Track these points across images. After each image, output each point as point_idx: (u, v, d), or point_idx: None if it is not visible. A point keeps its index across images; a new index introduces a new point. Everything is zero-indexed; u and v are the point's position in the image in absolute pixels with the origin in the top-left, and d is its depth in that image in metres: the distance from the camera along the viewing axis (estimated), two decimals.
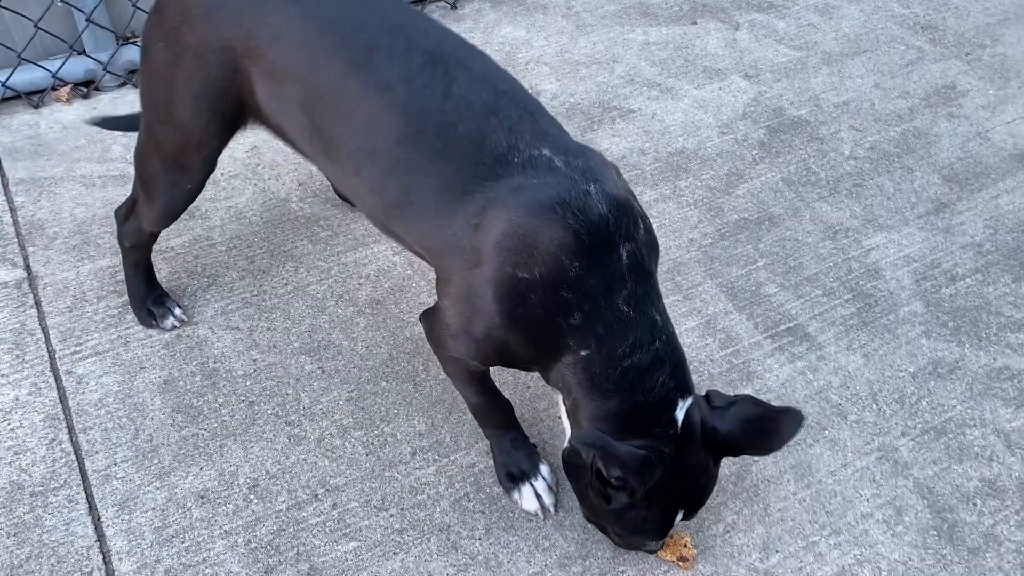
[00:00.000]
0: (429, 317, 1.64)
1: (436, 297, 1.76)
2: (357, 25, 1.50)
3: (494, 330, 1.44)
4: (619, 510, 1.49)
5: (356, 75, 1.47)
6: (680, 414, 1.44)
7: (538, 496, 1.72)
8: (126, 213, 1.94)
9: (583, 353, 1.41)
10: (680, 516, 1.52)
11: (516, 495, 1.73)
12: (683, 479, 1.47)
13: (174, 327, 2.02)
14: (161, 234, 2.20)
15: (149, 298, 2.02)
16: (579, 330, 1.40)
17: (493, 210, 1.39)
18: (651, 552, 1.65)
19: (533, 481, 1.73)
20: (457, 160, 1.42)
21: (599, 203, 1.38)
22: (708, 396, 1.51)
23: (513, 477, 1.73)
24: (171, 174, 1.76)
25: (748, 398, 1.48)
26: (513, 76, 1.56)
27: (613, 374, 1.41)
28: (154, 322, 2.01)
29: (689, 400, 1.46)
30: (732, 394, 1.50)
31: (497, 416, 1.73)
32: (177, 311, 2.02)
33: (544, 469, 1.75)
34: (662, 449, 1.42)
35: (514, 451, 1.74)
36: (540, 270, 1.36)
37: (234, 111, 1.65)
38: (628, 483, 1.41)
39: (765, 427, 1.45)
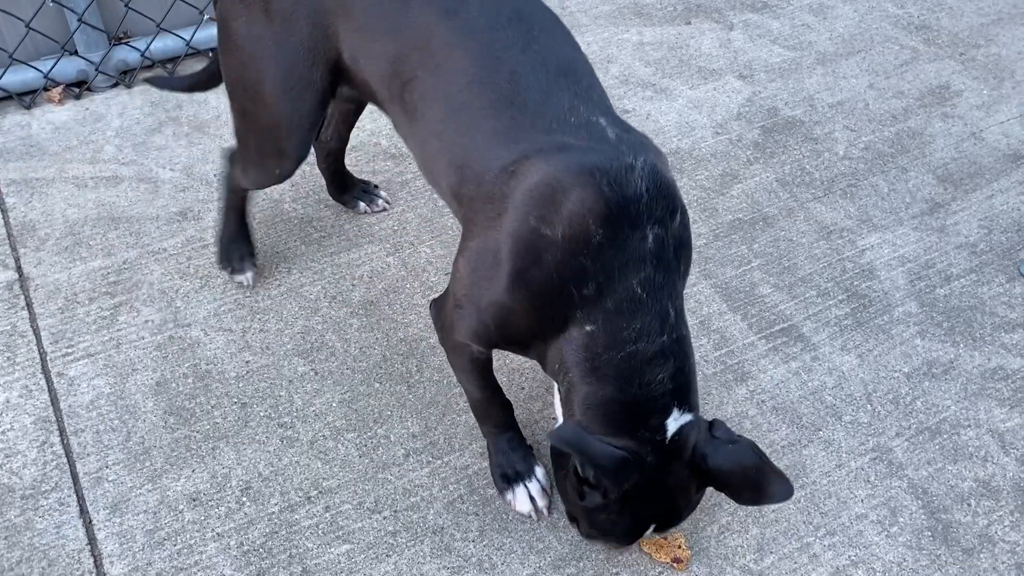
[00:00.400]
0: (439, 301, 1.62)
1: (432, 298, 1.75)
2: None
3: (501, 295, 1.41)
4: (591, 509, 1.48)
5: (444, 21, 1.49)
6: (673, 424, 1.41)
7: (531, 498, 1.71)
8: (232, 158, 1.96)
9: (588, 328, 1.38)
10: (651, 530, 1.50)
11: (509, 495, 1.72)
12: (661, 494, 1.44)
13: (240, 284, 2.08)
14: (154, 234, 2.21)
15: (234, 244, 2.06)
16: (589, 302, 1.37)
17: (532, 160, 1.38)
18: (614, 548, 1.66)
19: (527, 483, 1.72)
20: (518, 108, 1.43)
21: (639, 179, 1.36)
22: (712, 424, 1.48)
23: (507, 478, 1.73)
24: (265, 158, 1.79)
25: (752, 445, 1.45)
26: (587, 59, 1.57)
27: (614, 358, 1.38)
28: (230, 267, 2.07)
29: (688, 416, 1.43)
30: (737, 434, 1.47)
31: (496, 414, 1.72)
32: (250, 274, 2.07)
33: (539, 471, 1.74)
34: (643, 455, 1.39)
35: (510, 451, 1.73)
36: (563, 230, 1.34)
37: (327, 81, 1.65)
38: (602, 483, 1.40)
39: (755, 480, 1.42)
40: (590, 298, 1.37)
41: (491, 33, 1.48)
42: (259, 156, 1.79)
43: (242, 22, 1.61)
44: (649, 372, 1.39)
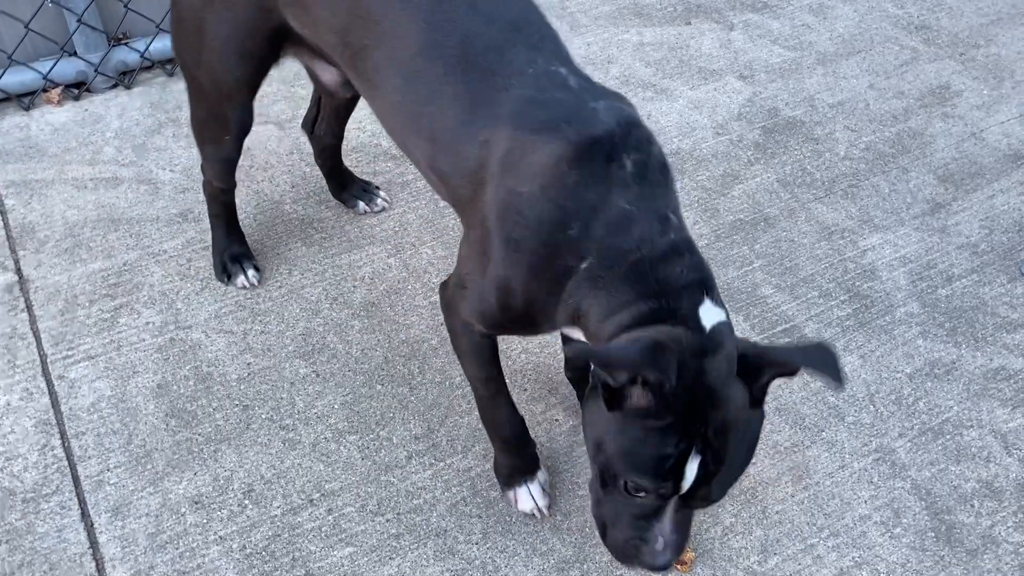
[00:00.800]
0: (445, 283, 1.59)
1: (442, 280, 1.73)
2: None
3: (497, 267, 1.37)
4: (624, 427, 1.23)
5: None
6: (707, 315, 1.25)
7: (533, 497, 1.71)
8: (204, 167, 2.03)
9: (583, 266, 1.31)
10: (696, 464, 1.21)
11: (511, 494, 1.72)
12: (704, 401, 1.20)
13: (244, 287, 2.08)
14: (154, 236, 2.20)
15: (227, 252, 2.10)
16: (579, 241, 1.30)
17: (500, 127, 1.37)
18: (643, 514, 1.30)
19: (530, 482, 1.71)
20: (476, 71, 1.41)
21: (605, 119, 1.34)
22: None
23: (511, 477, 1.72)
24: (211, 125, 1.86)
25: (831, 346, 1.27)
26: (539, 7, 1.54)
27: (621, 270, 1.29)
28: (226, 278, 2.09)
29: (722, 313, 1.28)
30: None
31: (502, 407, 1.65)
32: (251, 273, 2.09)
33: (541, 474, 1.73)
34: (680, 337, 1.21)
35: (514, 451, 1.71)
36: (539, 184, 1.32)
37: (264, 53, 1.70)
38: (643, 380, 1.19)
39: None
40: (577, 237, 1.31)
41: None
42: (207, 126, 1.87)
43: None
44: (664, 268, 1.28)
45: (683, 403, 1.19)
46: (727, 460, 1.24)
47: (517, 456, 1.71)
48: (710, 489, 1.25)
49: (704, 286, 1.30)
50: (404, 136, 1.57)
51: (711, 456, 1.22)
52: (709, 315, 1.27)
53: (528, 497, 1.71)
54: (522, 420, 1.69)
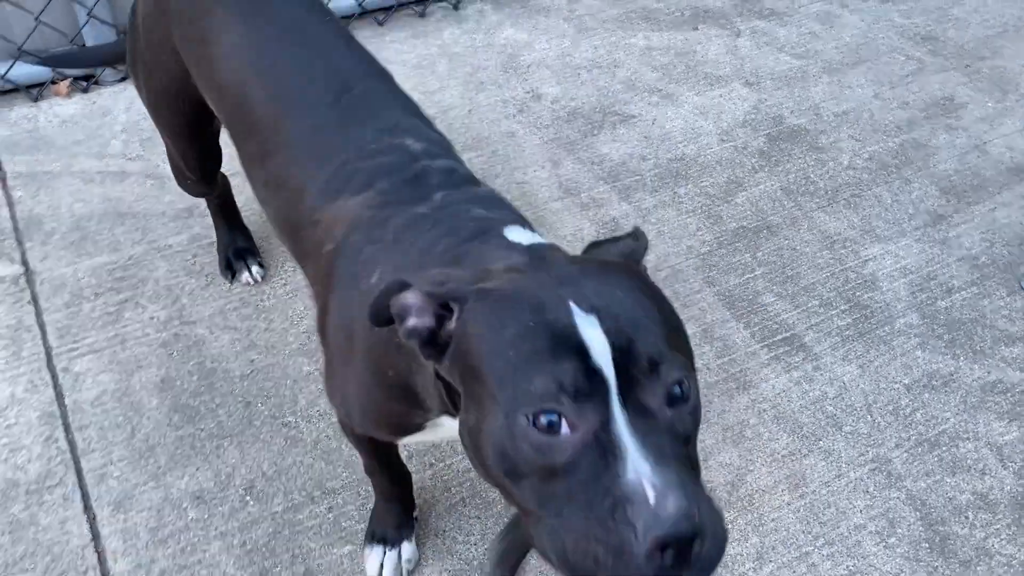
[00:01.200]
0: None
1: None
2: (272, 38, 1.51)
3: (337, 351, 1.32)
4: (476, 351, 0.92)
5: (258, 83, 1.48)
6: (515, 236, 1.12)
7: (382, 565, 1.62)
8: None
9: (373, 280, 1.20)
10: (592, 320, 0.86)
11: (367, 551, 1.63)
12: (554, 270, 0.96)
13: (248, 284, 2.09)
14: (160, 231, 2.21)
15: (231, 248, 2.10)
16: (374, 261, 1.23)
17: (332, 202, 1.33)
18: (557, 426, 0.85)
19: (388, 550, 1.62)
20: (329, 165, 1.38)
21: (432, 177, 1.30)
22: None
23: (374, 537, 1.64)
24: (173, 160, 1.91)
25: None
26: (424, 113, 1.50)
27: (415, 263, 1.17)
28: (230, 275, 2.09)
29: (538, 236, 1.16)
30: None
31: (384, 485, 1.61)
32: (255, 269, 2.09)
33: (407, 547, 1.64)
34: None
35: (387, 516, 1.63)
36: (345, 233, 1.29)
37: (196, 115, 1.70)
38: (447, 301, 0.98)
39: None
40: (371, 256, 1.24)
41: (301, 93, 1.44)
42: (171, 161, 1.93)
43: (137, 34, 1.71)
44: (461, 219, 1.19)
45: (528, 274, 0.96)
46: (622, 301, 0.89)
47: (389, 519, 1.63)
48: (638, 345, 0.85)
49: (507, 223, 1.16)
50: (279, 231, 1.54)
51: (600, 302, 0.88)
52: (519, 237, 1.11)
53: (377, 563, 1.62)
54: (407, 487, 1.64)
